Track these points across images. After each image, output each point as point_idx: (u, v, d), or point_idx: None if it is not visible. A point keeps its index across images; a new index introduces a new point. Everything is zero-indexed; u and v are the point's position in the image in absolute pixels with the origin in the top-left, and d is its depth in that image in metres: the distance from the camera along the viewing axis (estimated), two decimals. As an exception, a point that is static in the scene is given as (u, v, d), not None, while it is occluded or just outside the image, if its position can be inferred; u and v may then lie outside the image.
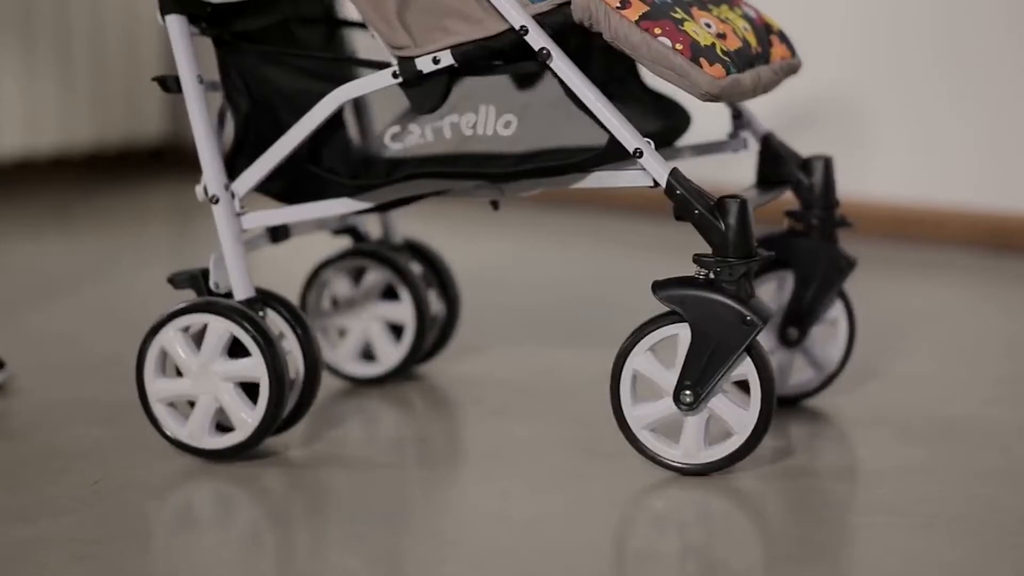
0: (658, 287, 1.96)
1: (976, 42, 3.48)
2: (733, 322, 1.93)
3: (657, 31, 1.94)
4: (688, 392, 1.96)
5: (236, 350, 2.09)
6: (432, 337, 2.52)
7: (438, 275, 2.53)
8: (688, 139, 2.26)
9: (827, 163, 2.24)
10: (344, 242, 2.52)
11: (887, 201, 3.58)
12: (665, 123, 2.20)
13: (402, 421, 2.41)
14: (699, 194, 1.94)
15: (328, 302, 2.48)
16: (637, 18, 1.94)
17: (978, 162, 3.51)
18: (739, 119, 2.28)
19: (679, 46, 1.93)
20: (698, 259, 1.94)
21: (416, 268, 2.51)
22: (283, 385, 2.06)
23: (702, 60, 1.93)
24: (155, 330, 2.10)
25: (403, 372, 2.46)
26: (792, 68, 2.18)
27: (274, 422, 2.08)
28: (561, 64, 1.96)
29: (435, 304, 2.53)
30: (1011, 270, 3.32)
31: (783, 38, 2.18)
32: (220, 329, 2.07)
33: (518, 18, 1.97)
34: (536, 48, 1.97)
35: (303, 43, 2.28)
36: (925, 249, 3.49)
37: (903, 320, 2.86)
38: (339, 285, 2.47)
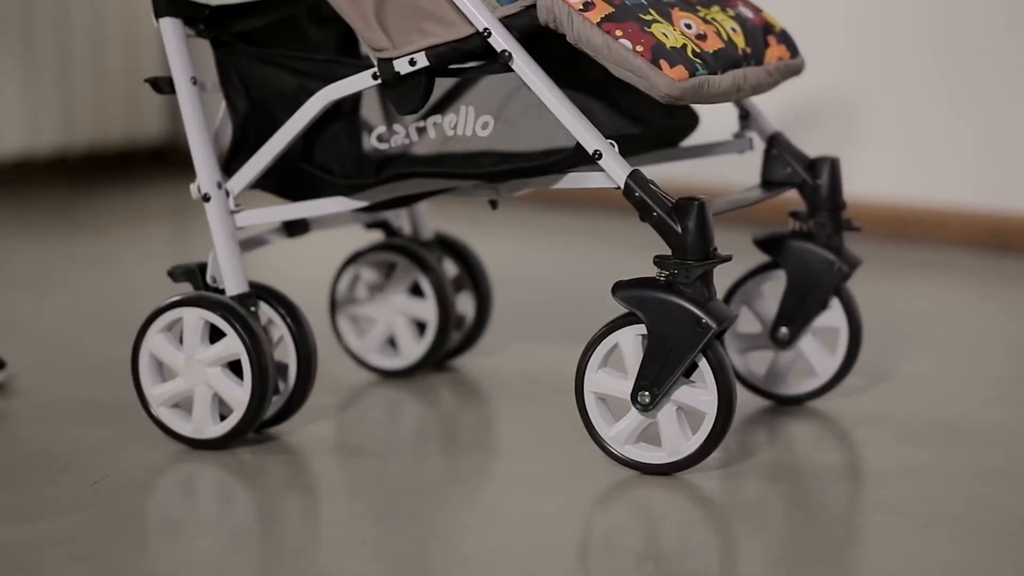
0: (617, 288, 1.97)
1: (976, 42, 3.48)
2: (687, 324, 1.94)
3: (619, 33, 1.95)
4: (646, 393, 1.97)
5: (218, 338, 2.13)
6: (461, 335, 2.54)
7: (470, 272, 2.55)
8: (695, 139, 2.26)
9: (833, 164, 2.24)
10: (377, 236, 2.53)
11: (887, 201, 3.58)
12: (670, 123, 2.20)
13: (399, 418, 2.41)
14: (657, 196, 1.94)
15: (358, 294, 2.50)
16: (599, 20, 1.95)
17: (978, 162, 3.51)
18: (746, 119, 2.28)
19: (640, 48, 1.94)
20: (657, 261, 1.95)
21: (450, 265, 2.53)
22: (264, 360, 2.07)
23: (662, 62, 1.94)
24: (144, 328, 2.14)
25: (425, 367, 2.47)
26: (792, 69, 2.18)
27: (263, 398, 2.08)
28: (523, 66, 1.98)
29: (465, 303, 2.54)
30: (1011, 270, 3.32)
31: (784, 38, 2.18)
32: (193, 318, 2.11)
33: (482, 20, 1.99)
34: (498, 50, 1.98)
35: (314, 42, 2.29)
36: (925, 249, 3.49)
37: (903, 320, 2.86)
38: (369, 278, 2.49)
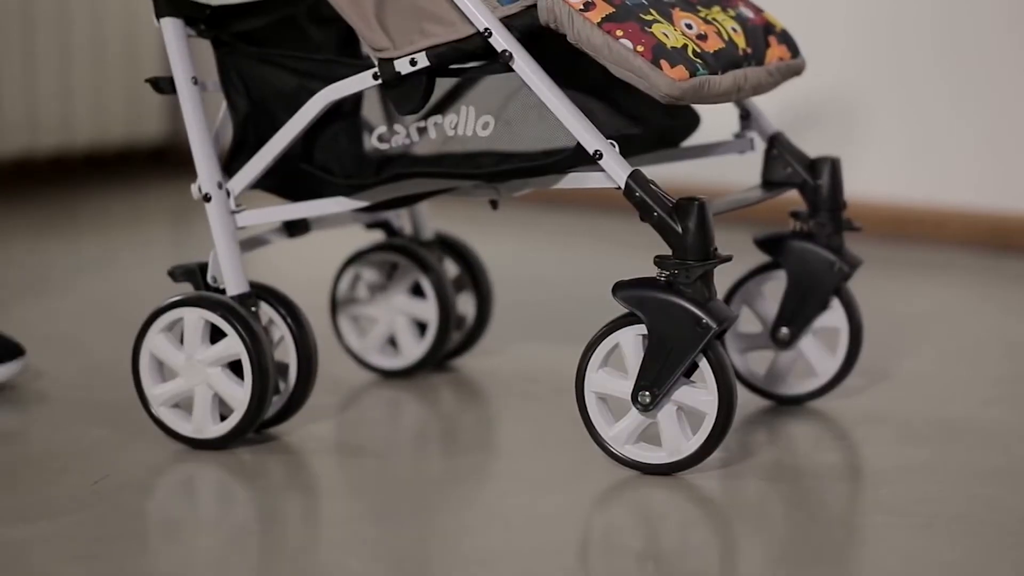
0: (618, 288, 1.97)
1: (976, 42, 3.48)
2: (688, 324, 1.94)
3: (619, 33, 1.95)
4: (646, 393, 1.97)
5: (219, 338, 2.13)
6: (461, 335, 2.54)
7: (471, 272, 2.55)
8: (695, 139, 2.26)
9: (834, 164, 2.24)
10: (377, 236, 2.53)
11: (887, 201, 3.58)
12: (671, 123, 2.20)
13: (399, 418, 2.41)
14: (657, 197, 1.94)
15: (358, 294, 2.50)
16: (600, 20, 1.95)
17: (978, 162, 3.51)
18: (746, 119, 2.28)
19: (640, 48, 1.94)
20: (658, 261, 1.95)
21: (450, 264, 2.54)
22: (264, 360, 2.07)
23: (663, 62, 1.94)
24: (144, 328, 2.14)
25: (425, 367, 2.48)
26: (793, 69, 2.18)
27: (263, 398, 2.08)
28: (524, 66, 1.98)
29: (466, 303, 2.55)
30: (1011, 270, 3.32)
31: (784, 38, 2.18)
32: (194, 318, 2.11)
33: (483, 20, 1.99)
34: (499, 50, 1.98)
35: (314, 42, 2.29)
36: (925, 249, 3.49)
37: (903, 320, 2.86)
38: (370, 278, 2.50)
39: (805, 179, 2.24)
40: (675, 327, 1.94)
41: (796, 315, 2.26)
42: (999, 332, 2.85)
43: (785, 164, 2.24)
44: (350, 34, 2.31)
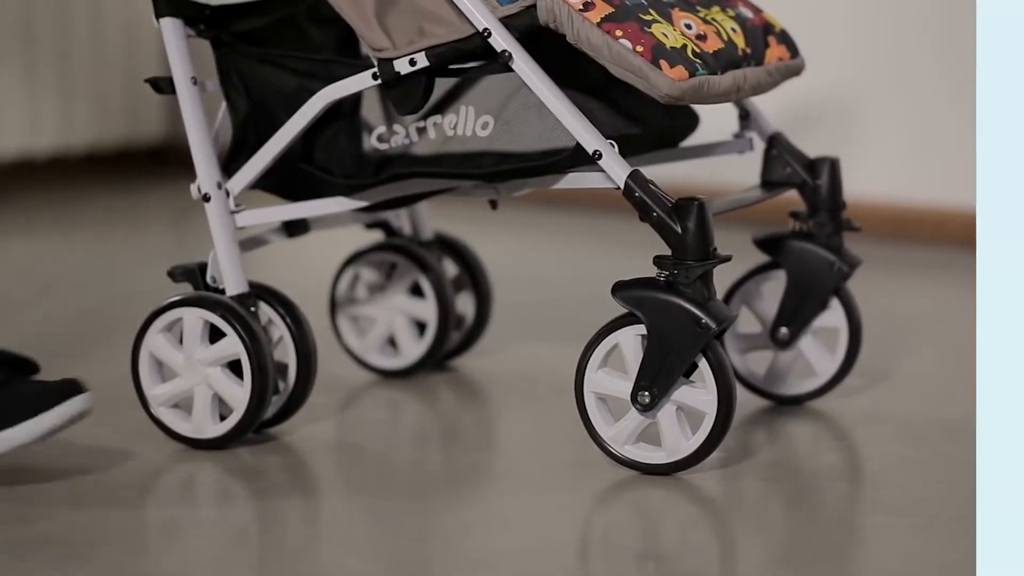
0: (617, 288, 1.97)
1: (976, 42, 3.48)
2: (687, 325, 1.94)
3: (619, 33, 1.95)
4: (645, 393, 1.97)
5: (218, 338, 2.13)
6: (461, 335, 2.54)
7: (470, 272, 2.55)
8: (695, 139, 2.26)
9: (833, 164, 2.24)
10: (377, 236, 2.53)
11: (887, 201, 3.58)
12: (670, 123, 2.20)
13: (399, 418, 2.41)
14: (657, 197, 1.94)
15: (358, 294, 2.50)
16: (599, 20, 1.96)
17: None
18: (746, 119, 2.28)
19: (640, 48, 1.94)
20: (657, 261, 1.95)
21: (450, 265, 2.53)
22: (264, 360, 2.07)
23: (662, 62, 1.94)
24: (144, 328, 2.14)
25: (425, 367, 2.47)
26: (792, 69, 2.18)
27: (263, 397, 2.08)
28: (523, 66, 1.98)
29: (465, 303, 2.54)
30: (1011, 270, 3.31)
31: (784, 39, 2.18)
32: (193, 318, 2.11)
33: (482, 20, 1.99)
34: (498, 50, 1.98)
35: (314, 42, 2.29)
36: (925, 249, 3.49)
37: (903, 320, 2.86)
38: (369, 278, 2.49)
39: (804, 179, 2.24)
40: (675, 327, 1.94)
41: (795, 315, 2.26)
42: (999, 332, 2.85)
43: (784, 164, 2.25)
44: (350, 34, 2.31)
